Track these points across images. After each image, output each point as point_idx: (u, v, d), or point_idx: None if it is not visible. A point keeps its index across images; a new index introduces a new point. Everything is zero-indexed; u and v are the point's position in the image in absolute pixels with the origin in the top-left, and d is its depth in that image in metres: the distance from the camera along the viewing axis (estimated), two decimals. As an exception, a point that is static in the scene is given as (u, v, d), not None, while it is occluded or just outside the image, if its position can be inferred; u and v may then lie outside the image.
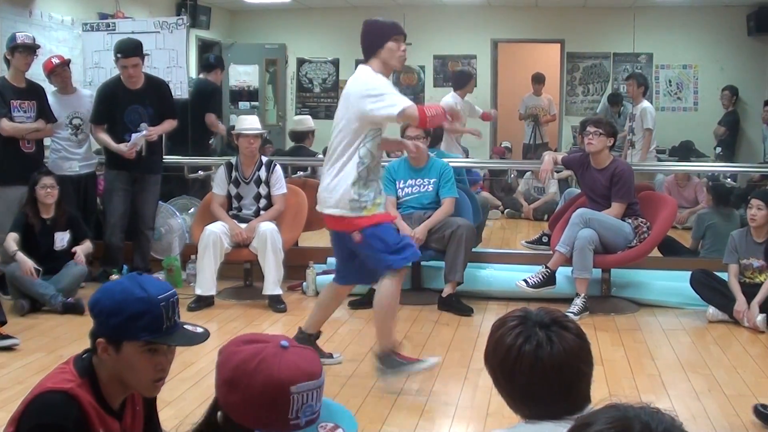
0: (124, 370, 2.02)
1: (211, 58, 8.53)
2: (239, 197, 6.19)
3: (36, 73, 6.50)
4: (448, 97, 8.45)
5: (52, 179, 5.88)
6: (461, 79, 8.74)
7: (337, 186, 4.09)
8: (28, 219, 5.82)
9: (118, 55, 6.17)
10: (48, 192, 5.83)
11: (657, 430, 1.23)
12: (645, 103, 8.87)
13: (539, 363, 1.77)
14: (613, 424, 1.25)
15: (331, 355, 4.66)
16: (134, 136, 6.19)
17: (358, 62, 4.35)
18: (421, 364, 4.27)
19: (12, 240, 5.72)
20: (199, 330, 2.12)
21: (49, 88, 6.54)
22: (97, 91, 6.43)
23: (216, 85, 8.11)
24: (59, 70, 6.52)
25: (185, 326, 2.09)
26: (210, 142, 8.23)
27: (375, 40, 4.17)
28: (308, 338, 4.55)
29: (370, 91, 4.03)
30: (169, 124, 6.44)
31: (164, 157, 6.78)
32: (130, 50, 6.17)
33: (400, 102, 4.02)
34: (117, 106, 6.21)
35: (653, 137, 8.82)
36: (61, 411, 1.92)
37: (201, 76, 8.27)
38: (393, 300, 4.25)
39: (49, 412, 1.92)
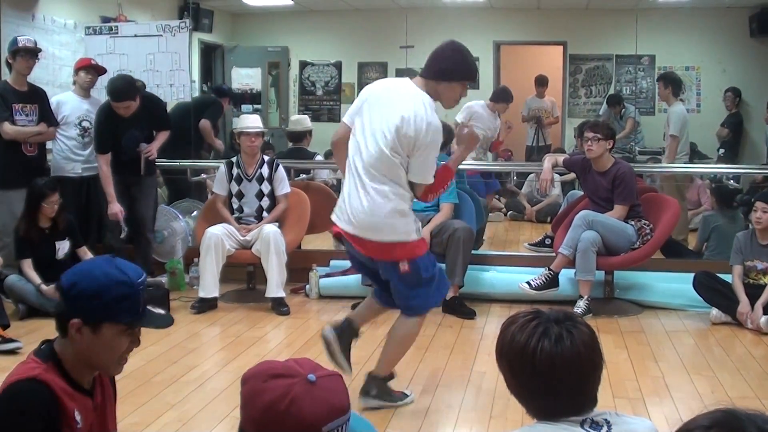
0: (97, 350, 2.04)
1: (225, 87, 8.88)
2: (240, 195, 6.20)
3: (38, 76, 6.51)
4: (478, 106, 8.43)
5: (56, 194, 5.74)
6: (502, 96, 8.76)
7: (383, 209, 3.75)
8: (29, 234, 5.70)
9: (111, 99, 6.10)
10: (53, 208, 5.72)
11: None
12: (675, 106, 8.00)
13: (559, 356, 1.80)
14: (722, 425, 1.21)
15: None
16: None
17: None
18: (403, 399, 4.07)
19: (28, 267, 5.64)
20: (161, 312, 2.19)
21: (57, 90, 6.57)
22: (95, 120, 6.34)
23: (219, 101, 8.18)
24: (92, 73, 6.55)
25: (150, 309, 2.17)
26: (203, 151, 8.26)
27: (453, 69, 3.78)
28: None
29: (424, 143, 3.68)
30: (163, 136, 6.43)
31: (169, 160, 6.79)
32: (121, 94, 6.08)
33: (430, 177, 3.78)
34: (115, 134, 6.17)
35: (684, 142, 7.96)
36: (29, 397, 1.93)
37: (213, 95, 8.42)
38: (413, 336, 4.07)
39: (18, 399, 1.92)
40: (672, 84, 7.99)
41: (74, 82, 6.66)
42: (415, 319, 3.97)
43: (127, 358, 2.12)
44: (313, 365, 1.72)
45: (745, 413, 1.23)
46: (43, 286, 5.57)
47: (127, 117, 6.14)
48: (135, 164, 6.29)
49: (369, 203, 3.72)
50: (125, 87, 6.15)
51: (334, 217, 3.91)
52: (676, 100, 7.98)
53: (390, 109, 3.73)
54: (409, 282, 3.83)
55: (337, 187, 9.65)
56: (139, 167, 6.28)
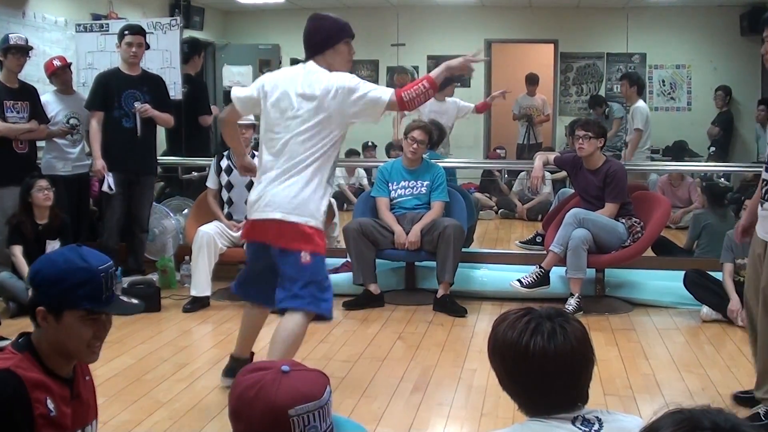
0: (63, 338, 2.07)
1: (185, 47, 7.77)
2: (230, 186, 6.18)
3: (29, 73, 6.49)
4: (459, 102, 8.83)
5: (46, 181, 5.77)
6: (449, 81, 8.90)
7: (310, 197, 3.75)
8: (22, 227, 5.70)
9: (126, 32, 6.20)
10: (45, 195, 5.71)
11: (725, 427, 1.24)
12: (638, 103, 8.52)
13: (552, 352, 1.81)
14: (681, 424, 1.26)
15: None
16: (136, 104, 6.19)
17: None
18: None
19: (18, 253, 5.64)
20: (135, 301, 2.19)
21: (49, 87, 6.59)
22: (94, 78, 6.40)
23: (198, 84, 7.97)
24: (60, 72, 6.56)
25: (121, 297, 2.15)
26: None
27: (328, 36, 3.89)
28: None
29: (349, 85, 3.76)
30: (166, 116, 6.40)
31: (162, 157, 6.76)
32: (137, 28, 6.30)
33: (386, 90, 3.80)
34: (114, 91, 6.17)
35: (646, 138, 8.50)
36: None
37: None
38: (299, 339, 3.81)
39: None
40: (636, 84, 8.60)
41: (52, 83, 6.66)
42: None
43: (100, 346, 2.14)
44: (298, 364, 1.79)
45: (696, 409, 1.29)
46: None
47: (130, 77, 6.19)
48: (133, 152, 6.22)
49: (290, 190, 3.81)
50: (139, 25, 6.45)
51: None
52: (638, 99, 8.54)
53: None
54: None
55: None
56: (136, 132, 6.18)
